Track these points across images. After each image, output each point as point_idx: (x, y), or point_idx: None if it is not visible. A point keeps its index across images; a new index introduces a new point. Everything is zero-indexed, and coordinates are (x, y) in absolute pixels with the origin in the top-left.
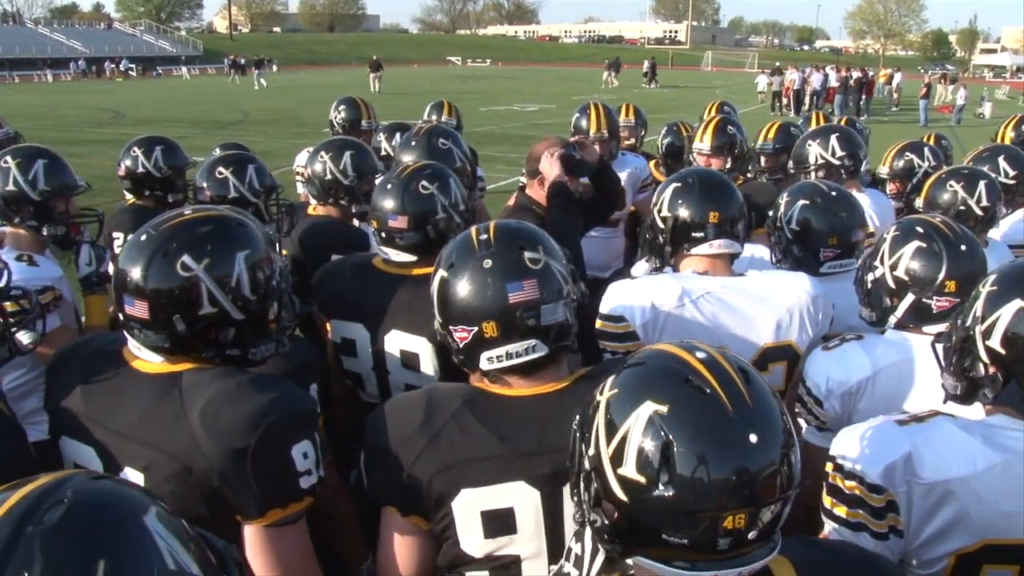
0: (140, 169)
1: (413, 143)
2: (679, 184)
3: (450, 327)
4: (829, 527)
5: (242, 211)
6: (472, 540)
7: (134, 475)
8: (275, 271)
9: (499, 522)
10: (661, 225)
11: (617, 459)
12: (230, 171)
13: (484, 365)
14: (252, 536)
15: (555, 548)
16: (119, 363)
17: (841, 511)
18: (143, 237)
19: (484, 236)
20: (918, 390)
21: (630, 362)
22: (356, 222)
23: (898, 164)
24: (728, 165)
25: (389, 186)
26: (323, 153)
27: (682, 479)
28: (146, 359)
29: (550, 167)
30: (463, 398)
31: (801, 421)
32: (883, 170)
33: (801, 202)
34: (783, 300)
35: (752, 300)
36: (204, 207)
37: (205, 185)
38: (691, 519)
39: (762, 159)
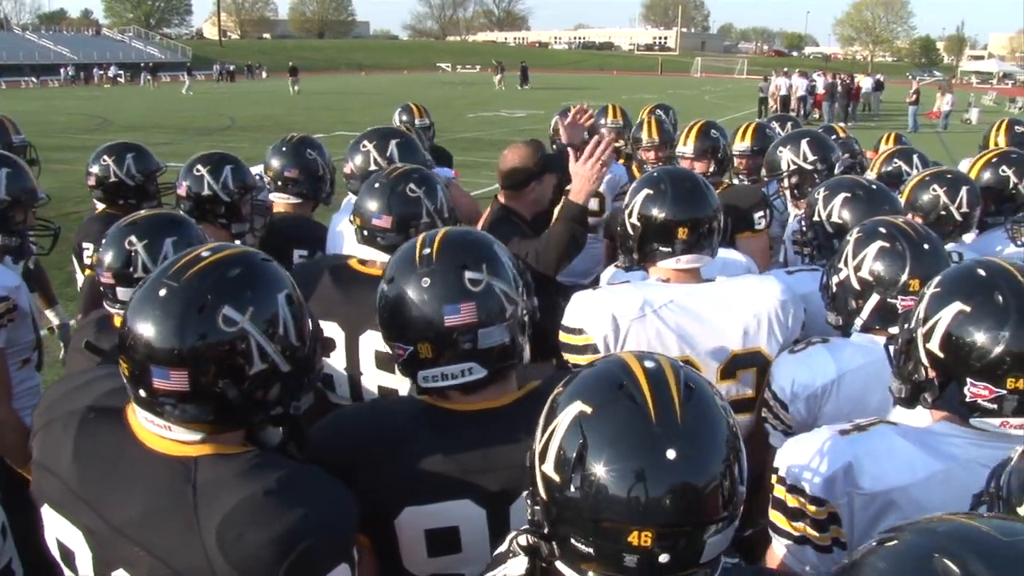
0: (112, 178)
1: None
2: (650, 190)
3: (389, 341)
4: (776, 542)
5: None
6: (415, 558)
7: None
8: (307, 309)
9: (443, 541)
10: (630, 231)
11: (543, 455)
12: (207, 169)
13: (420, 382)
14: None
15: None
16: (121, 430)
17: (785, 524)
18: (162, 292)
19: (427, 250)
20: (884, 393)
21: (592, 362)
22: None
23: (886, 170)
24: (712, 169)
25: (376, 185)
26: (280, 148)
27: (590, 483)
28: (154, 432)
29: (588, 181)
30: (408, 413)
31: (767, 426)
32: (870, 176)
33: (842, 195)
34: (750, 306)
35: (719, 307)
36: (219, 245)
37: (185, 182)
38: (595, 527)
39: (736, 161)
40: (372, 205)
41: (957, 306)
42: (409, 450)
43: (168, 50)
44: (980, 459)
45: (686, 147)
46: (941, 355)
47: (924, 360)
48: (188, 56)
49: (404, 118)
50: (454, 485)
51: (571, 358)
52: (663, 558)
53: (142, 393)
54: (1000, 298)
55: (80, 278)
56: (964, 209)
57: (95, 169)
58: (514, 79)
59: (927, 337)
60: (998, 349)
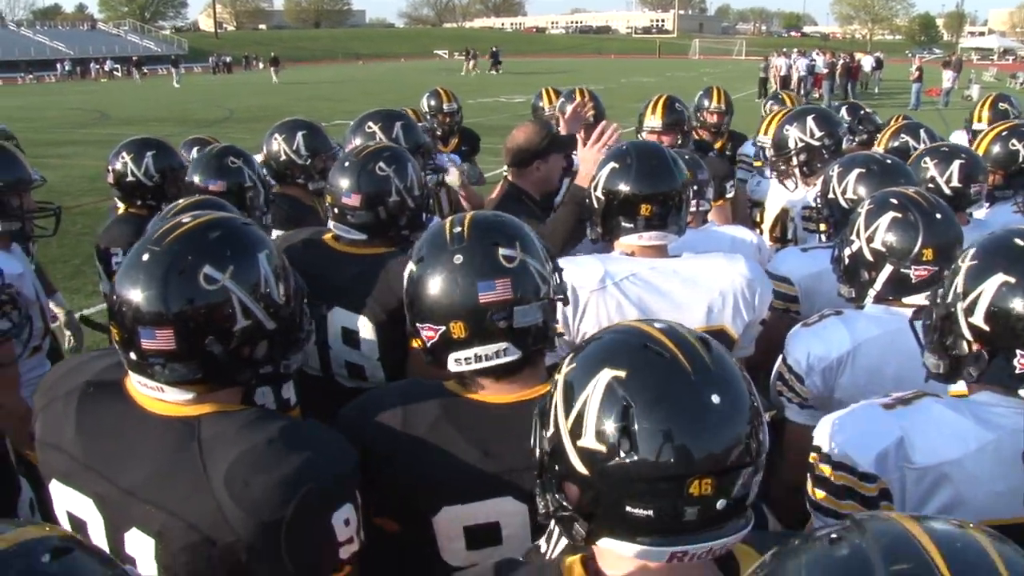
0: (130, 177)
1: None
2: (616, 164)
3: (417, 325)
4: (817, 521)
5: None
6: (454, 552)
7: (143, 539)
8: (291, 270)
9: (483, 536)
10: (595, 204)
11: (576, 431)
12: (242, 160)
13: (452, 367)
14: None
15: None
16: (121, 399)
17: (831, 503)
18: (145, 256)
19: (458, 229)
20: (899, 363)
21: (588, 338)
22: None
23: (893, 145)
24: (679, 141)
25: (347, 164)
26: (277, 135)
27: (643, 443)
28: (155, 396)
29: (594, 165)
30: (441, 407)
31: (783, 399)
32: (878, 151)
33: (856, 171)
34: (716, 283)
35: (682, 283)
36: (200, 212)
37: (220, 178)
38: (654, 486)
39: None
40: (342, 183)
41: (1000, 278)
42: (444, 448)
43: (164, 43)
44: None
45: (654, 121)
46: (986, 328)
47: (967, 334)
48: (184, 49)
49: (432, 103)
50: (494, 484)
51: None
52: (719, 504)
53: (132, 356)
54: None
55: (106, 286)
56: (955, 184)
57: (115, 166)
58: (487, 64)
59: (969, 311)
60: None
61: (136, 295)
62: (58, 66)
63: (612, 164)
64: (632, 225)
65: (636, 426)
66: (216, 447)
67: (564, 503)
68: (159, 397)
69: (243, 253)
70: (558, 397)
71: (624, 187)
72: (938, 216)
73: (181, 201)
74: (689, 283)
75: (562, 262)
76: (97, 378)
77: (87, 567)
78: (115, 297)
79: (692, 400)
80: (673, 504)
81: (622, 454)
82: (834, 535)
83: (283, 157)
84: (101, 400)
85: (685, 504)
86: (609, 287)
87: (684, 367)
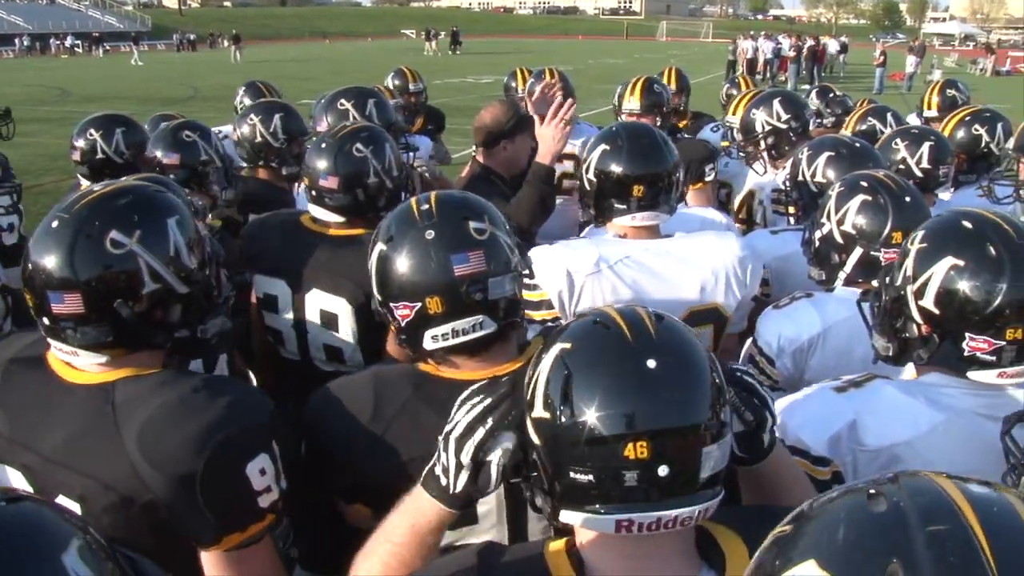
0: (99, 154)
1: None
2: (607, 146)
3: (391, 304)
4: None
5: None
6: None
7: (69, 505)
8: (206, 237)
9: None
10: (587, 187)
11: (531, 403)
12: (198, 134)
13: (428, 344)
14: (211, 563)
15: (517, 535)
16: (42, 372)
17: None
18: (55, 223)
19: (425, 206)
20: (868, 345)
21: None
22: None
23: (860, 128)
24: (658, 123)
25: (324, 145)
26: (253, 116)
27: (579, 406)
28: (73, 364)
29: (552, 141)
30: (412, 385)
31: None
32: (846, 135)
33: (826, 154)
34: (708, 262)
35: (675, 262)
36: (113, 181)
37: (174, 152)
38: (591, 449)
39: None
40: (319, 165)
41: (949, 261)
42: (416, 426)
43: (127, 19)
44: (976, 408)
45: (633, 104)
46: (936, 311)
47: (917, 317)
48: (148, 25)
49: (398, 82)
50: None
51: (528, 313)
52: (662, 471)
53: (46, 321)
54: (992, 250)
55: None
56: (924, 165)
57: (80, 144)
58: (446, 44)
59: (919, 294)
60: (997, 301)
61: (45, 260)
62: (16, 41)
63: (603, 146)
64: (625, 206)
65: (574, 391)
66: (129, 408)
67: (538, 484)
68: (74, 364)
69: (151, 218)
70: (527, 374)
71: (616, 168)
72: (907, 199)
73: (124, 178)
74: (682, 263)
75: (557, 245)
76: (21, 354)
77: (40, 509)
78: (28, 264)
79: (625, 364)
80: (612, 468)
81: (563, 419)
82: (872, 490)
83: (258, 139)
84: (23, 375)
85: (623, 468)
86: (604, 270)
87: (624, 335)
